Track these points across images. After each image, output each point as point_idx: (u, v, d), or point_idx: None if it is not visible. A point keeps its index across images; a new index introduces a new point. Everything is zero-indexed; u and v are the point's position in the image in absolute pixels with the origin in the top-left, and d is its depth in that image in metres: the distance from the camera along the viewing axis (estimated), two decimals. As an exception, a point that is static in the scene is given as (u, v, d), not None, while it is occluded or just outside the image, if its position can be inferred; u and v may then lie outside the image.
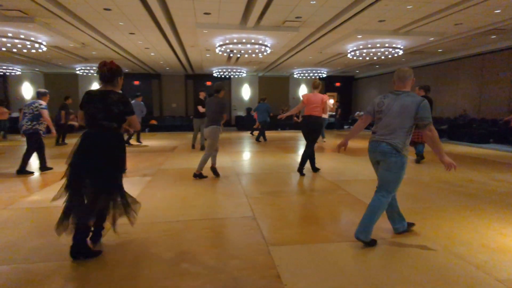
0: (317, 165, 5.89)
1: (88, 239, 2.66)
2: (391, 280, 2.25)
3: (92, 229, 2.73)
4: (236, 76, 18.36)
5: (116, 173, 2.67)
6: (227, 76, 18.18)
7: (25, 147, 5.74)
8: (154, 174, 5.75)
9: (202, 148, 8.62)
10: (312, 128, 5.51)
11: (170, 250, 2.73)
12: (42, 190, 4.71)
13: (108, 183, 2.60)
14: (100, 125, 2.58)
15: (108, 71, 2.65)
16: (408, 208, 3.81)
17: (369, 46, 10.25)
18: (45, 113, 5.70)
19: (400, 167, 2.71)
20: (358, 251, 2.70)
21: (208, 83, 19.28)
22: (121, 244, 2.85)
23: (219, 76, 17.64)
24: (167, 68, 16.57)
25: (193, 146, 9.23)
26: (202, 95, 8.86)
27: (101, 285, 2.20)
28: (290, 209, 3.85)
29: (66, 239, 2.59)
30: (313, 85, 5.59)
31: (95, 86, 17.97)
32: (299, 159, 7.48)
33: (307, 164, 5.80)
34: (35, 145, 5.81)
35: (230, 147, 9.64)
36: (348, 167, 6.50)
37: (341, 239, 2.96)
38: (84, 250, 2.56)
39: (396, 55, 11.00)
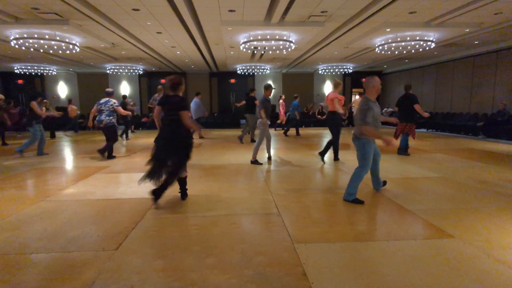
0: (341, 160, 6.60)
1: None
2: (424, 282, 2.15)
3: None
4: (260, 73, 18.33)
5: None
6: (251, 73, 18.19)
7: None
8: (180, 169, 5.86)
9: (252, 140, 10.15)
10: (337, 122, 6.39)
11: (198, 244, 2.77)
12: (77, 183, 4.95)
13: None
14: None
15: (172, 84, 3.81)
16: (442, 209, 3.63)
17: (399, 39, 9.84)
18: (120, 109, 6.86)
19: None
20: (389, 251, 2.60)
21: (232, 81, 19.42)
22: (151, 237, 2.94)
23: (243, 73, 17.70)
24: (192, 66, 16.85)
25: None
26: (253, 94, 10.15)
27: (135, 274, 2.27)
28: (315, 207, 3.78)
29: (99, 231, 2.68)
30: (333, 84, 6.56)
31: (124, 85, 18.71)
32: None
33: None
34: (115, 135, 6.97)
35: (252, 144, 9.63)
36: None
37: (370, 239, 2.87)
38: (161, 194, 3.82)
39: (427, 48, 10.49)
